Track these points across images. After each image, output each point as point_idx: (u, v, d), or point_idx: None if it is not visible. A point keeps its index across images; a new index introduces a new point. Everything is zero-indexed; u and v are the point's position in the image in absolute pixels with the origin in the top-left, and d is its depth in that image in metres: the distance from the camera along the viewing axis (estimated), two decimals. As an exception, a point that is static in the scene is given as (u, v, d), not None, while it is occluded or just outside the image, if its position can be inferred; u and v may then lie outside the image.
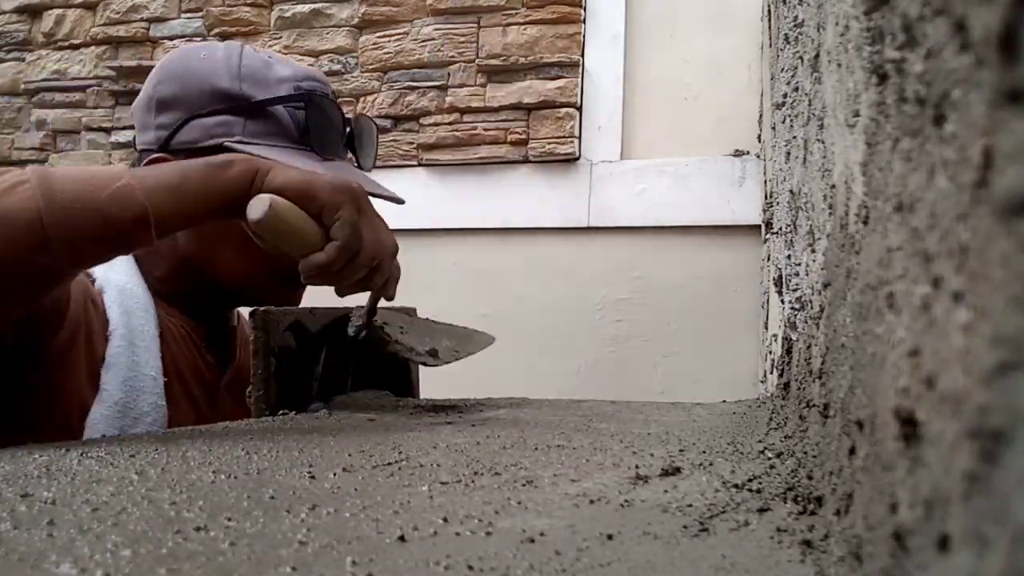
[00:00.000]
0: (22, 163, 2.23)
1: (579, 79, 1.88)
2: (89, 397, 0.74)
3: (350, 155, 0.90)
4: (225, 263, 0.83)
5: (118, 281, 0.80)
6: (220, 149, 0.79)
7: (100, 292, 0.78)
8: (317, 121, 0.82)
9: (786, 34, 0.80)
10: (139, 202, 0.60)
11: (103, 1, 2.22)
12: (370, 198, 0.73)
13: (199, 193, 0.64)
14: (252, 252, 0.74)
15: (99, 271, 0.80)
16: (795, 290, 0.70)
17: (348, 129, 0.87)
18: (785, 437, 0.59)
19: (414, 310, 0.98)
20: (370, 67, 2.02)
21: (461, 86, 1.95)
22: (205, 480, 0.40)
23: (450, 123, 1.94)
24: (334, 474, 0.43)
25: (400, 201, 0.93)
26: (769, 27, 1.33)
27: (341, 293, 0.72)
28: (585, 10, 1.91)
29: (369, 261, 0.68)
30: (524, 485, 0.40)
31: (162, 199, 0.62)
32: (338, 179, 0.69)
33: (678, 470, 0.45)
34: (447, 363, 0.89)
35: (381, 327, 0.84)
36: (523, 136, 1.89)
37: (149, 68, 2.14)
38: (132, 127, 2.30)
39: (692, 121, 1.84)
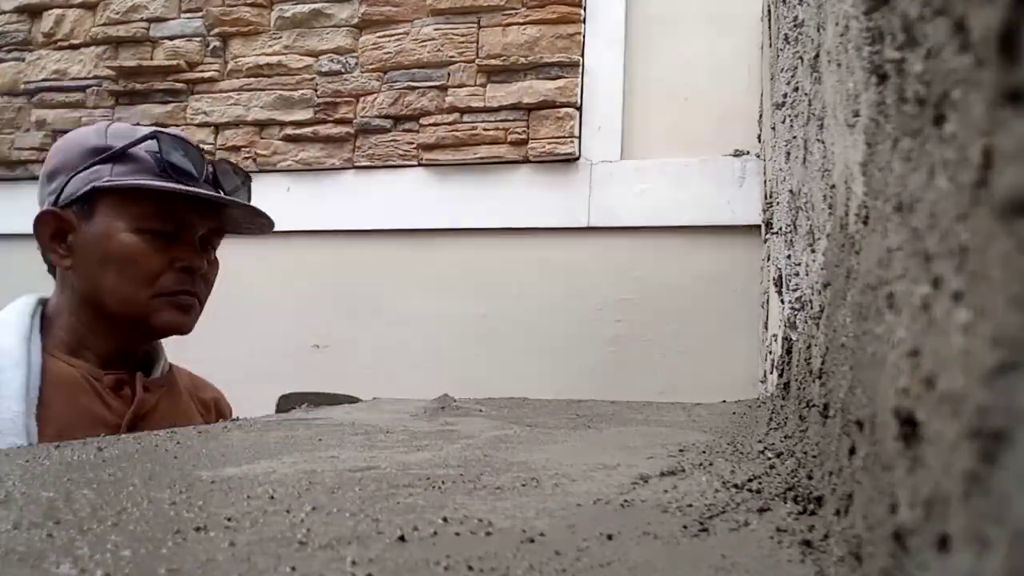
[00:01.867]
0: (22, 163, 2.23)
1: (579, 79, 1.88)
2: None
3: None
4: (108, 289, 0.90)
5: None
6: (95, 192, 0.89)
7: None
8: (170, 153, 0.91)
9: (786, 34, 0.80)
10: None
11: (103, 1, 2.22)
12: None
13: None
14: (128, 272, 0.85)
15: None
16: (795, 290, 0.70)
17: (211, 170, 0.96)
18: (785, 437, 0.59)
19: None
20: (370, 67, 2.02)
21: (461, 86, 1.95)
22: (205, 480, 0.40)
23: (450, 123, 1.94)
24: (334, 474, 0.43)
25: (269, 226, 1.00)
26: (769, 27, 1.33)
27: None
28: (585, 10, 1.91)
29: None
30: (524, 485, 0.40)
31: None
32: None
33: (678, 470, 0.45)
34: None
35: None
36: (523, 136, 1.89)
37: (149, 68, 2.15)
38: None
39: (692, 121, 1.84)
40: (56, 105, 2.23)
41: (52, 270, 0.97)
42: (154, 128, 0.95)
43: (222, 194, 0.96)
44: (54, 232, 0.92)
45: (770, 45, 1.26)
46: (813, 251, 0.51)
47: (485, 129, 1.91)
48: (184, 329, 0.93)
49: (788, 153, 0.77)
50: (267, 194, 2.14)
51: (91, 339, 0.91)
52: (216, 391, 1.09)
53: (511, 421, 0.75)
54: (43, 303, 0.95)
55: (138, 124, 1.00)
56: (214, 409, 1.06)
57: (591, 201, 1.84)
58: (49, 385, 0.87)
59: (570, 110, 1.87)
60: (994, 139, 0.14)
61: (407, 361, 1.84)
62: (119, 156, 0.90)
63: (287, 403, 0.83)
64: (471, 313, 1.86)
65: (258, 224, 1.00)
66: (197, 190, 0.90)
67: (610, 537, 0.29)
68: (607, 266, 1.80)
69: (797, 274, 0.68)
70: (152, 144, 0.92)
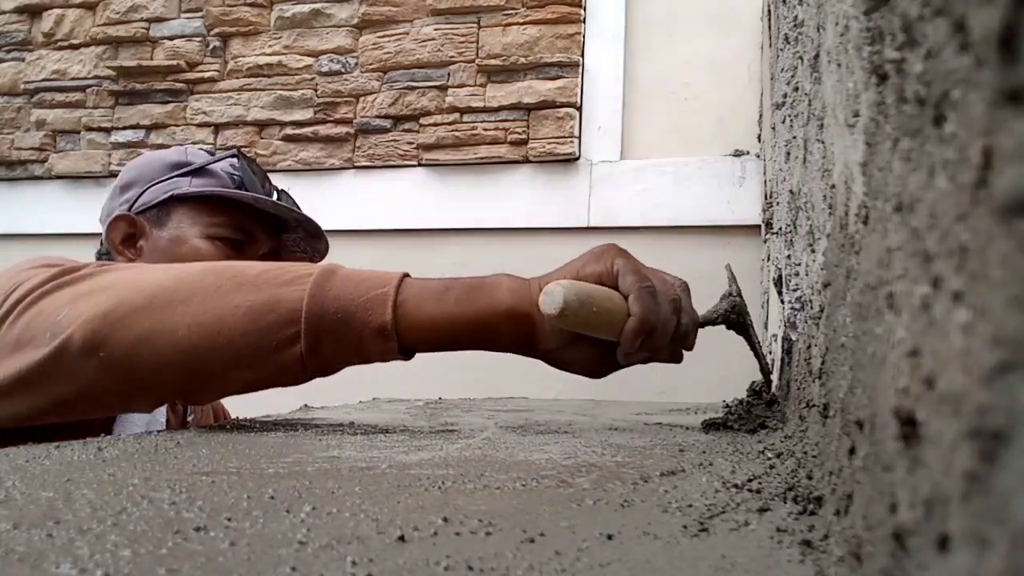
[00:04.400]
0: (22, 163, 2.23)
1: (579, 79, 1.88)
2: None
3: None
4: None
5: None
6: (172, 201, 0.92)
7: None
8: (247, 171, 0.96)
9: (786, 34, 0.80)
10: (387, 313, 0.62)
11: (103, 1, 2.22)
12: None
13: (461, 302, 0.64)
14: None
15: None
16: (795, 290, 0.70)
17: (275, 195, 1.00)
18: (785, 437, 0.59)
19: None
20: (370, 67, 2.02)
21: (461, 86, 1.95)
22: (205, 480, 0.40)
23: (450, 123, 1.94)
24: (334, 474, 0.43)
25: (323, 252, 1.03)
26: (769, 27, 1.33)
27: (678, 350, 0.70)
28: (585, 10, 1.91)
29: (669, 297, 0.66)
30: (524, 485, 0.40)
31: (420, 312, 0.63)
32: (589, 251, 0.69)
33: (678, 470, 0.45)
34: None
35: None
36: (523, 136, 1.89)
37: (149, 68, 2.15)
38: (132, 127, 2.29)
39: (692, 121, 1.84)
40: (56, 105, 2.23)
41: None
42: (236, 149, 1.00)
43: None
44: (125, 236, 0.94)
45: (770, 45, 1.26)
46: (813, 251, 0.51)
47: (485, 129, 1.91)
48: None
49: (788, 153, 0.77)
50: (267, 194, 2.14)
51: None
52: None
53: (512, 421, 0.75)
54: None
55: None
56: (223, 413, 1.11)
57: (591, 201, 1.84)
58: None
59: (570, 110, 1.87)
60: (994, 139, 0.14)
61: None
62: (198, 171, 0.95)
63: None
64: (471, 313, 1.86)
65: (312, 249, 1.03)
66: (275, 202, 0.95)
67: (610, 537, 0.29)
68: (607, 266, 1.80)
69: (797, 274, 0.68)
70: (233, 162, 0.97)
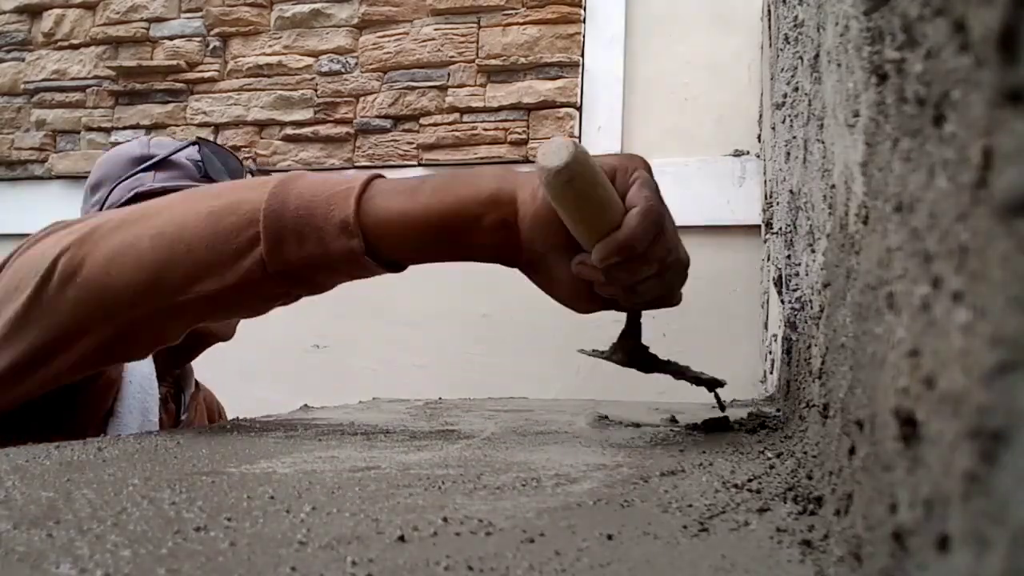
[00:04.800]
0: (22, 163, 2.23)
1: (579, 79, 1.88)
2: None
3: None
4: None
5: None
6: (137, 198, 0.89)
7: None
8: (211, 159, 0.95)
9: (786, 34, 0.80)
10: (349, 206, 0.55)
11: (103, 1, 2.22)
12: None
13: (438, 192, 0.56)
14: None
15: None
16: (795, 290, 0.70)
17: (249, 173, 1.00)
18: (785, 437, 0.59)
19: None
20: (370, 67, 2.02)
21: (461, 86, 1.95)
22: (205, 480, 0.40)
23: (450, 123, 1.94)
24: (334, 474, 0.43)
25: None
26: (769, 27, 1.33)
27: (632, 303, 0.60)
28: (585, 10, 1.91)
29: (673, 243, 0.57)
30: (524, 485, 0.40)
31: (388, 207, 0.56)
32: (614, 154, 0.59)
33: (678, 470, 0.45)
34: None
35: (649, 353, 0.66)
36: (523, 136, 1.89)
37: (149, 68, 2.15)
38: (132, 127, 2.29)
39: (692, 121, 1.84)
40: (56, 105, 2.23)
41: None
42: (197, 137, 0.99)
43: None
44: None
45: (770, 45, 1.26)
46: (813, 251, 0.51)
47: (485, 129, 1.91)
48: (226, 335, 0.93)
49: (788, 153, 0.77)
50: (267, 194, 2.14)
51: None
52: (211, 393, 1.11)
53: (511, 421, 0.75)
54: None
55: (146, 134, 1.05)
56: (217, 412, 1.10)
57: (591, 201, 1.84)
58: None
59: (570, 110, 1.87)
60: (994, 139, 0.14)
61: (407, 361, 1.84)
62: (161, 164, 0.93)
63: None
64: (471, 313, 1.86)
65: None
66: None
67: (610, 537, 0.29)
68: (607, 266, 1.80)
69: (797, 274, 0.68)
70: (193, 151, 0.95)
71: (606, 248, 0.52)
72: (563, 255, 0.57)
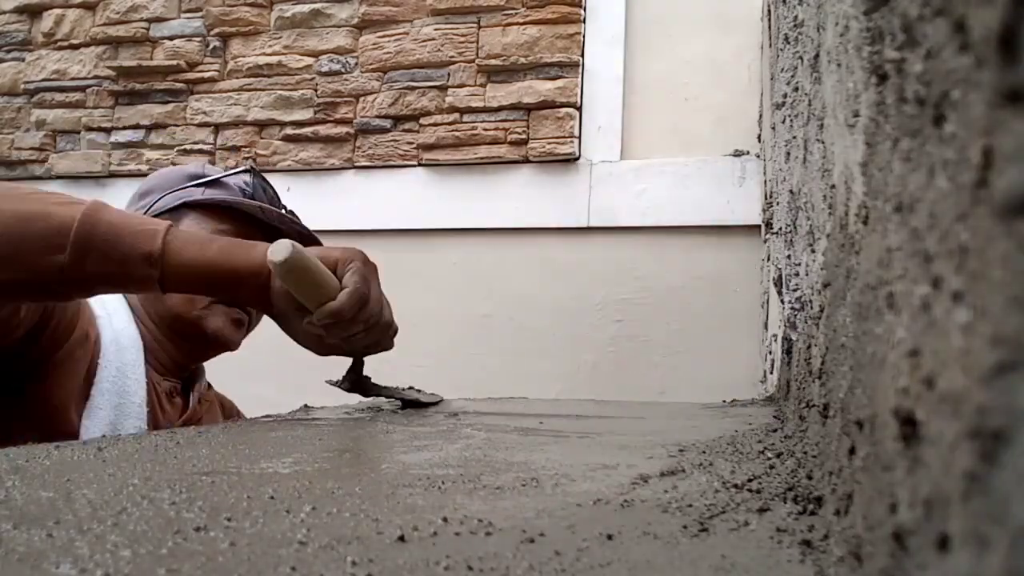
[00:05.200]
0: (22, 163, 2.23)
1: (579, 79, 1.88)
2: (76, 416, 0.84)
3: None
4: (171, 297, 0.95)
5: (116, 324, 0.92)
6: (183, 206, 0.96)
7: (98, 330, 0.90)
8: (258, 187, 1.02)
9: (786, 34, 0.80)
10: (156, 243, 0.70)
11: (103, 1, 2.22)
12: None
13: (223, 256, 0.74)
14: None
15: (101, 315, 0.92)
16: (795, 290, 0.70)
17: (283, 208, 1.04)
18: (785, 437, 0.59)
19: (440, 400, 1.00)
20: (370, 67, 2.02)
21: (461, 86, 1.95)
22: (205, 480, 0.40)
23: (450, 123, 1.94)
24: (334, 474, 0.43)
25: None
26: (769, 27, 1.33)
27: (350, 351, 0.83)
28: (585, 10, 1.91)
29: (376, 310, 0.77)
30: (524, 485, 0.40)
31: (184, 251, 0.72)
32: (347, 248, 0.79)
33: (678, 470, 0.45)
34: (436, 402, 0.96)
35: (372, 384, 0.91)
36: (523, 136, 1.89)
37: (149, 68, 2.15)
38: (132, 127, 2.29)
39: (692, 121, 1.84)
40: (56, 105, 2.23)
41: None
42: (251, 166, 1.07)
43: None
44: None
45: (770, 45, 1.26)
46: (813, 251, 0.51)
47: (485, 129, 1.91)
48: (231, 342, 0.98)
49: (788, 153, 0.77)
50: (267, 194, 2.14)
51: (153, 345, 0.96)
52: (231, 402, 1.15)
53: (511, 421, 0.75)
54: None
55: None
56: (233, 410, 1.13)
57: (591, 201, 1.84)
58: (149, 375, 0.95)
59: (570, 110, 1.87)
60: (994, 139, 0.14)
61: (407, 361, 1.83)
62: (212, 182, 1.00)
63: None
64: (472, 313, 1.86)
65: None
66: (280, 213, 0.99)
67: (610, 537, 0.29)
68: (607, 266, 1.80)
69: (797, 274, 0.68)
70: (242, 179, 1.03)
71: (320, 314, 0.74)
72: (298, 315, 0.77)
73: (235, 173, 1.03)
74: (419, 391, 0.96)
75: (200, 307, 0.94)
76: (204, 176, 1.01)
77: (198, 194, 0.98)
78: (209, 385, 1.09)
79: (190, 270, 0.72)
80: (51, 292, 0.71)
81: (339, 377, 0.88)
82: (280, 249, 0.71)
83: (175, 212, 0.96)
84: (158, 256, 0.70)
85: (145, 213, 0.96)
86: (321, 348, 0.82)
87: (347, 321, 0.75)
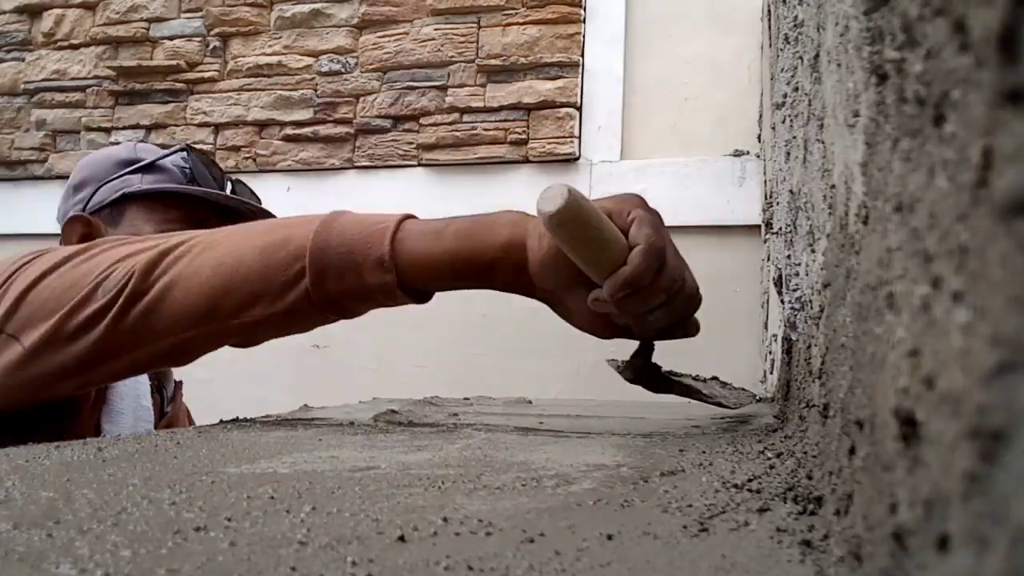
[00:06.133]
0: (22, 163, 2.23)
1: (579, 79, 1.88)
2: (91, 418, 0.83)
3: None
4: None
5: None
6: (124, 199, 0.93)
7: None
8: (198, 165, 0.97)
9: (786, 34, 0.80)
10: (384, 245, 0.63)
11: (103, 1, 2.22)
12: None
13: (459, 236, 0.63)
14: None
15: None
16: (795, 290, 0.70)
17: (231, 188, 1.01)
18: (785, 437, 0.59)
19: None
20: (370, 67, 2.02)
21: (461, 86, 1.95)
22: (205, 480, 0.40)
23: (450, 123, 1.94)
24: (334, 474, 0.43)
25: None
26: (769, 27, 1.33)
27: (644, 331, 0.65)
28: (585, 10, 1.91)
29: (678, 273, 0.61)
30: (524, 485, 0.40)
31: (418, 246, 0.63)
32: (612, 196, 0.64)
33: (678, 470, 0.45)
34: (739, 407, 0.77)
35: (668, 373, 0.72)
36: (523, 136, 1.89)
37: (149, 68, 2.15)
38: (132, 127, 2.30)
39: (692, 121, 1.84)
40: (56, 105, 2.23)
41: None
42: (185, 144, 1.01)
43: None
44: (81, 236, 0.94)
45: (770, 45, 1.26)
46: (813, 251, 0.51)
47: (485, 129, 1.91)
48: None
49: (788, 153, 0.77)
50: (267, 194, 2.14)
51: None
52: (186, 406, 1.13)
53: (511, 421, 0.75)
54: None
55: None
56: (188, 418, 1.12)
57: (591, 201, 1.84)
58: None
59: (570, 110, 1.87)
60: (994, 139, 0.14)
61: (407, 361, 1.83)
62: (148, 167, 0.95)
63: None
64: (471, 313, 1.86)
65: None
66: (227, 195, 0.95)
67: (610, 537, 0.29)
68: (607, 266, 1.79)
69: (797, 274, 0.68)
70: (179, 157, 0.97)
71: (614, 284, 0.58)
72: (577, 290, 0.62)
73: (170, 154, 0.98)
74: (724, 384, 0.79)
75: None
76: (138, 160, 0.96)
77: (136, 182, 0.94)
78: (178, 383, 1.08)
79: (429, 267, 0.64)
80: (310, 318, 0.66)
81: (622, 360, 0.70)
82: (552, 196, 0.54)
83: (116, 206, 0.93)
84: (389, 260, 0.63)
85: (84, 208, 0.94)
86: (607, 330, 0.66)
87: (645, 289, 0.58)
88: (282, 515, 0.33)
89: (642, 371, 0.69)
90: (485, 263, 0.63)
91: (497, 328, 1.85)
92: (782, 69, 0.84)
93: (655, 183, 1.80)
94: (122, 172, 0.95)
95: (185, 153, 0.98)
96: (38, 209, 2.19)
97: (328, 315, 0.66)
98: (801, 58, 0.65)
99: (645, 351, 0.68)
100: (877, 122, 0.25)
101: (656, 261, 0.58)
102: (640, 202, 0.61)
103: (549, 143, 1.86)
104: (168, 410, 1.01)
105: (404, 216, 0.66)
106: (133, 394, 0.88)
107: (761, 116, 1.68)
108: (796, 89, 0.70)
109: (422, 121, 1.96)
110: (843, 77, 0.34)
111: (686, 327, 0.67)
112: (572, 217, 0.54)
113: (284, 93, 2.07)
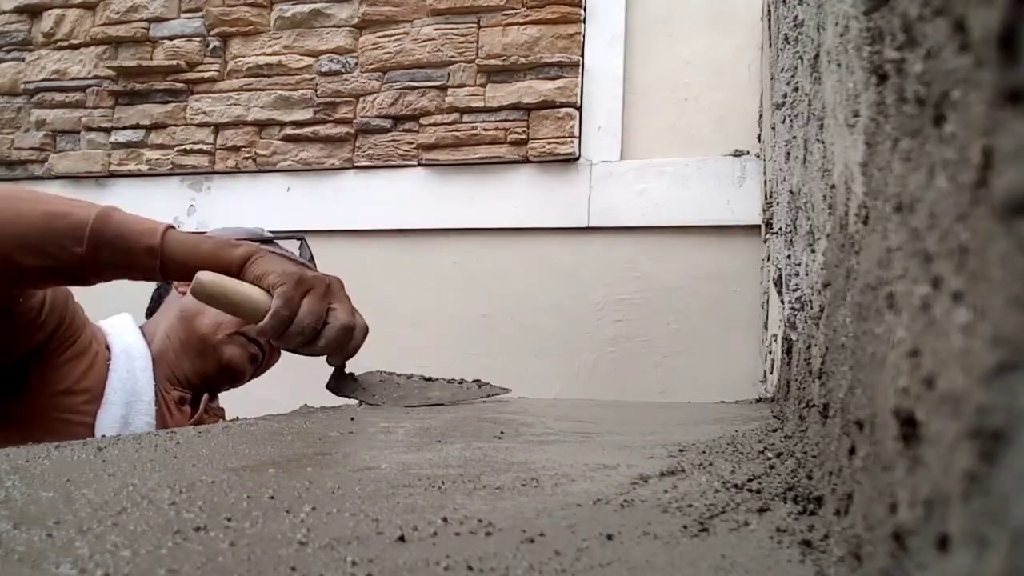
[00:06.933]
0: (22, 163, 2.23)
1: (579, 79, 1.88)
2: (90, 414, 0.95)
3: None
4: (210, 314, 1.07)
5: (126, 339, 1.04)
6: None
7: (107, 341, 1.03)
8: (307, 251, 1.15)
9: (786, 34, 0.80)
10: (156, 239, 0.84)
11: (103, 1, 2.22)
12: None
13: (209, 253, 0.86)
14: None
15: (110, 331, 1.05)
16: (795, 290, 0.70)
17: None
18: (785, 437, 0.59)
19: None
20: (370, 67, 2.02)
21: (461, 86, 1.95)
22: (205, 480, 0.40)
23: (450, 123, 1.94)
24: (334, 474, 0.43)
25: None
26: (769, 27, 1.33)
27: (309, 354, 0.90)
28: (585, 10, 1.91)
29: (308, 330, 0.85)
30: (524, 485, 0.40)
31: (178, 247, 0.85)
32: (305, 271, 0.89)
33: (678, 470, 0.45)
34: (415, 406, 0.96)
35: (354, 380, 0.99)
36: (523, 136, 1.88)
37: (149, 68, 2.15)
38: (132, 127, 2.29)
39: (692, 121, 1.84)
40: (56, 105, 2.23)
41: (156, 299, 1.18)
42: (302, 235, 1.20)
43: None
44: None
45: (770, 45, 1.26)
46: (813, 251, 0.51)
47: (485, 129, 1.91)
48: (240, 374, 1.09)
49: (788, 153, 0.77)
50: (267, 194, 2.14)
51: (171, 358, 1.07)
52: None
53: (511, 421, 0.75)
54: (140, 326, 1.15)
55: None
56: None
57: (591, 201, 1.84)
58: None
59: (570, 110, 1.87)
60: (994, 139, 0.14)
61: (407, 361, 1.83)
62: (264, 241, 1.11)
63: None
64: (471, 313, 1.86)
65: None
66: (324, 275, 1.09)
67: (610, 537, 0.29)
68: (607, 266, 1.80)
69: (797, 274, 0.68)
70: (294, 244, 1.14)
71: (255, 332, 0.91)
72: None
73: (287, 238, 1.16)
74: (463, 382, 1.00)
75: (224, 334, 1.06)
76: (260, 235, 1.12)
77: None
78: (216, 396, 1.16)
79: (184, 262, 0.85)
80: (73, 277, 0.85)
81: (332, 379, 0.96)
82: (197, 278, 0.84)
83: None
84: (158, 250, 0.83)
85: None
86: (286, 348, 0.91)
87: (283, 337, 0.85)
88: (282, 515, 0.33)
89: (337, 381, 0.96)
90: (224, 272, 0.86)
91: (497, 328, 1.85)
92: (782, 69, 0.84)
93: (655, 183, 1.80)
94: (245, 237, 1.08)
95: (300, 243, 1.15)
96: (38, 209, 2.19)
97: (87, 277, 0.84)
98: (801, 58, 0.65)
99: (334, 368, 0.95)
100: (877, 122, 0.25)
101: (280, 324, 0.84)
102: (295, 280, 0.85)
103: (549, 143, 1.86)
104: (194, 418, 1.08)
105: (168, 225, 0.86)
106: (128, 389, 0.97)
107: (761, 116, 1.68)
108: (796, 89, 0.70)
109: (422, 121, 1.96)
110: (843, 77, 0.34)
111: (341, 352, 0.91)
112: (205, 295, 0.84)
113: (284, 93, 2.06)
